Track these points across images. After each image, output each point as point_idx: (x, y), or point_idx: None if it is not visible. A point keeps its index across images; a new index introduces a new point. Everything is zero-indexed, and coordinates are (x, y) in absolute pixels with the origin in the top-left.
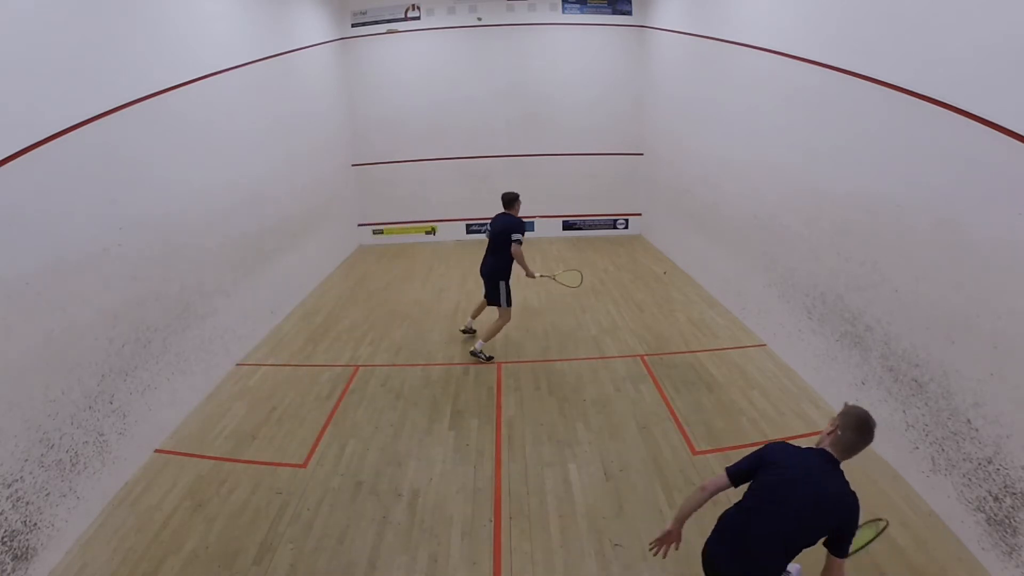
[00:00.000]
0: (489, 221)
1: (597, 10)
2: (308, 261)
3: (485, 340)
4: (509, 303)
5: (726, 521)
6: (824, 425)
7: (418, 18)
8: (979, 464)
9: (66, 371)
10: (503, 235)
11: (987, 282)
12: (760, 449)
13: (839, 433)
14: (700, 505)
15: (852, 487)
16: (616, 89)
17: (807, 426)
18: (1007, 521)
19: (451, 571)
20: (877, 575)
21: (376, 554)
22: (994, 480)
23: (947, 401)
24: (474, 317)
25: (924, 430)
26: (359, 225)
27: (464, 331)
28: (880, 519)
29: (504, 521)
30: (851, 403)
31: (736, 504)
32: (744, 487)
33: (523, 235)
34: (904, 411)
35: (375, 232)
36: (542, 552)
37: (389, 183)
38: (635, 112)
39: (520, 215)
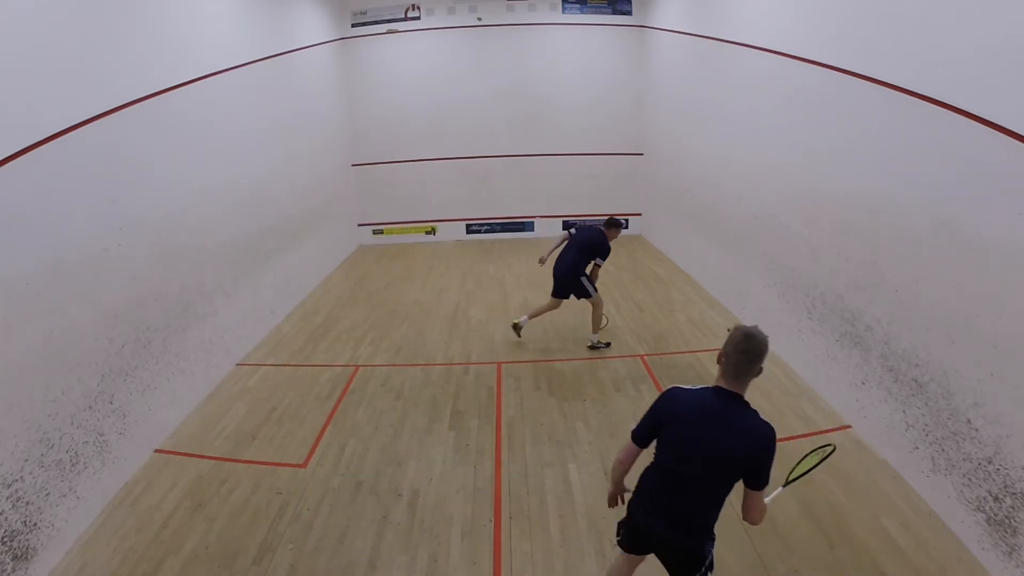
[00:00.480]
0: (575, 226)
1: (597, 10)
2: (308, 261)
3: (595, 331)
4: (596, 290)
5: (646, 486)
6: (824, 425)
7: (418, 18)
8: (979, 464)
9: (66, 371)
10: (590, 249)
11: (987, 282)
12: (656, 401)
13: (724, 359)
14: (625, 474)
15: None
16: (616, 89)
17: (807, 426)
18: (1007, 521)
19: (451, 571)
20: (877, 575)
21: (376, 554)
22: (994, 480)
23: (947, 401)
24: (531, 317)
25: (924, 430)
26: (359, 225)
27: (515, 326)
28: (828, 445)
29: (504, 521)
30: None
31: (652, 463)
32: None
33: (604, 261)
34: (904, 411)
35: (375, 232)
36: (542, 552)
37: (389, 183)
38: (635, 112)
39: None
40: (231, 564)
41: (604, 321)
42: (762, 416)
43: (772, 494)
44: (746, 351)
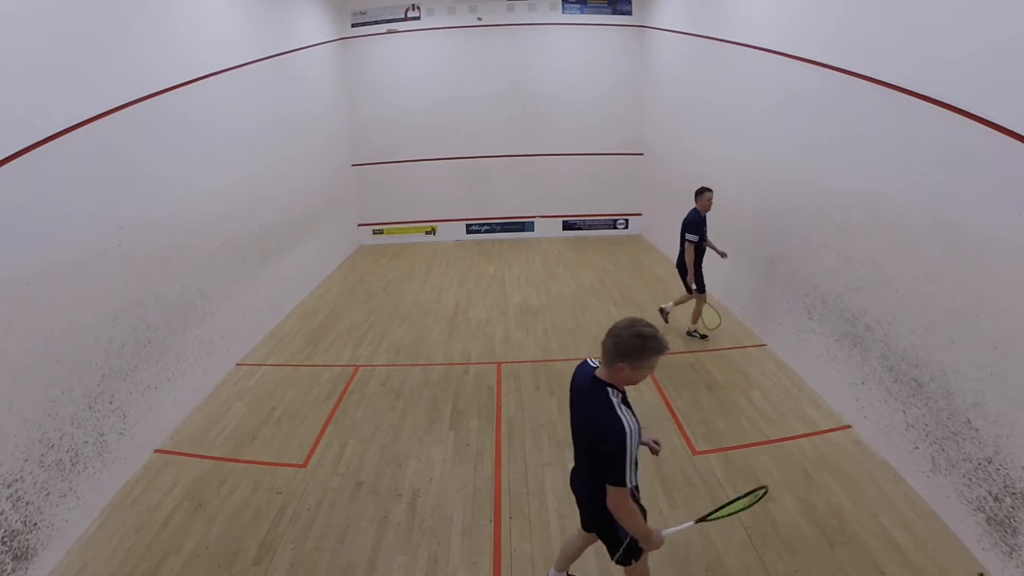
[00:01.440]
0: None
1: (597, 10)
2: (308, 261)
3: (693, 321)
4: (698, 290)
5: None
6: (824, 425)
7: (418, 18)
8: (979, 464)
9: (66, 371)
10: (682, 229)
11: (987, 282)
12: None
13: (602, 344)
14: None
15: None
16: (616, 89)
17: (807, 426)
18: (1007, 521)
19: (451, 571)
20: (877, 575)
21: (376, 554)
22: (994, 480)
23: (947, 401)
24: (676, 304)
25: (924, 430)
26: (359, 225)
27: (661, 311)
28: (760, 488)
29: (504, 521)
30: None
31: None
32: None
33: (696, 236)
34: (904, 411)
35: (375, 232)
36: (542, 552)
37: (389, 183)
38: (635, 112)
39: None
40: (231, 564)
41: (704, 320)
42: (620, 411)
43: (681, 526)
44: (611, 336)
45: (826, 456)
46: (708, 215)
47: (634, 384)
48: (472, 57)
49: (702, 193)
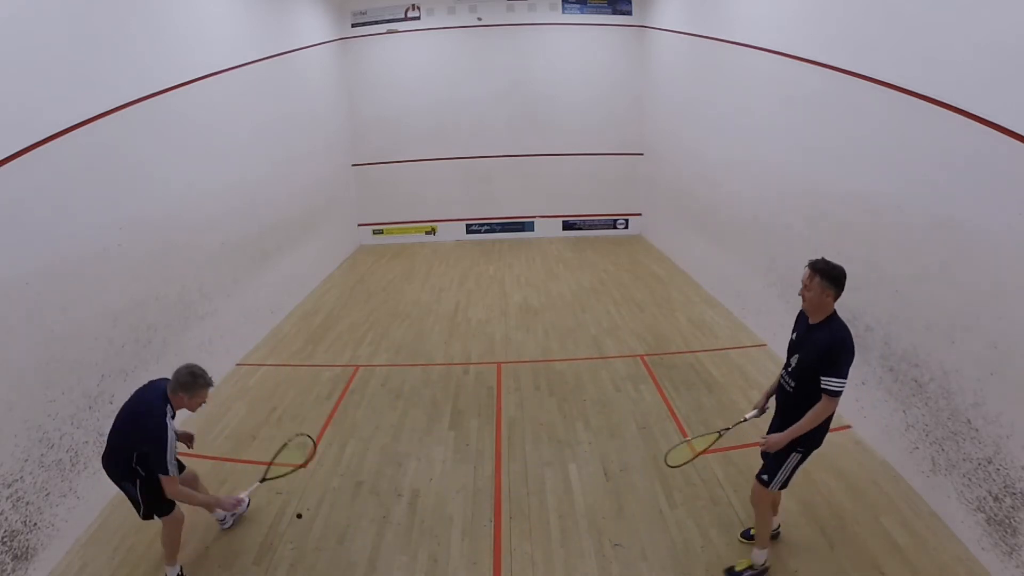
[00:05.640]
0: None
1: (597, 10)
2: (308, 261)
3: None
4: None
5: None
6: None
7: (418, 18)
8: (979, 464)
9: (66, 371)
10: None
11: (987, 282)
12: None
13: None
14: None
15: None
16: (616, 89)
17: None
18: (1007, 521)
19: (451, 571)
20: (877, 575)
21: (376, 554)
22: (994, 480)
23: (947, 401)
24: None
25: (924, 430)
26: (359, 225)
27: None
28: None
29: (504, 521)
30: None
31: None
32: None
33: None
34: (904, 411)
35: (375, 232)
36: (542, 552)
37: (389, 183)
38: (635, 112)
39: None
40: (231, 564)
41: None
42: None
43: (249, 488)
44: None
45: (826, 456)
46: (708, 215)
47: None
48: (472, 57)
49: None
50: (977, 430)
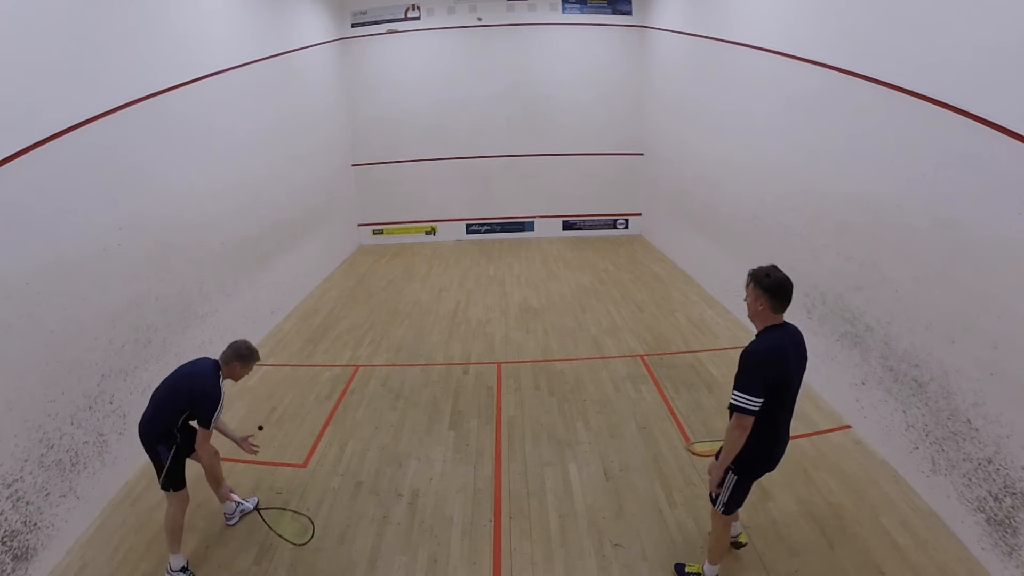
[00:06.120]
0: None
1: (597, 10)
2: (308, 261)
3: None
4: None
5: None
6: (824, 425)
7: (418, 18)
8: (979, 464)
9: (66, 371)
10: None
11: (987, 282)
12: None
13: None
14: None
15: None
16: (616, 89)
17: (807, 426)
18: (1007, 521)
19: (451, 571)
20: (877, 575)
21: (376, 554)
22: (994, 480)
23: (947, 401)
24: None
25: (924, 430)
26: (359, 225)
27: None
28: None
29: (504, 521)
30: None
31: None
32: None
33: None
34: (904, 411)
35: (375, 232)
36: (542, 552)
37: (389, 183)
38: (635, 112)
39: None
40: (231, 564)
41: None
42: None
43: (245, 502)
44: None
45: (826, 456)
46: (708, 215)
47: None
48: (472, 57)
49: None
50: (977, 430)
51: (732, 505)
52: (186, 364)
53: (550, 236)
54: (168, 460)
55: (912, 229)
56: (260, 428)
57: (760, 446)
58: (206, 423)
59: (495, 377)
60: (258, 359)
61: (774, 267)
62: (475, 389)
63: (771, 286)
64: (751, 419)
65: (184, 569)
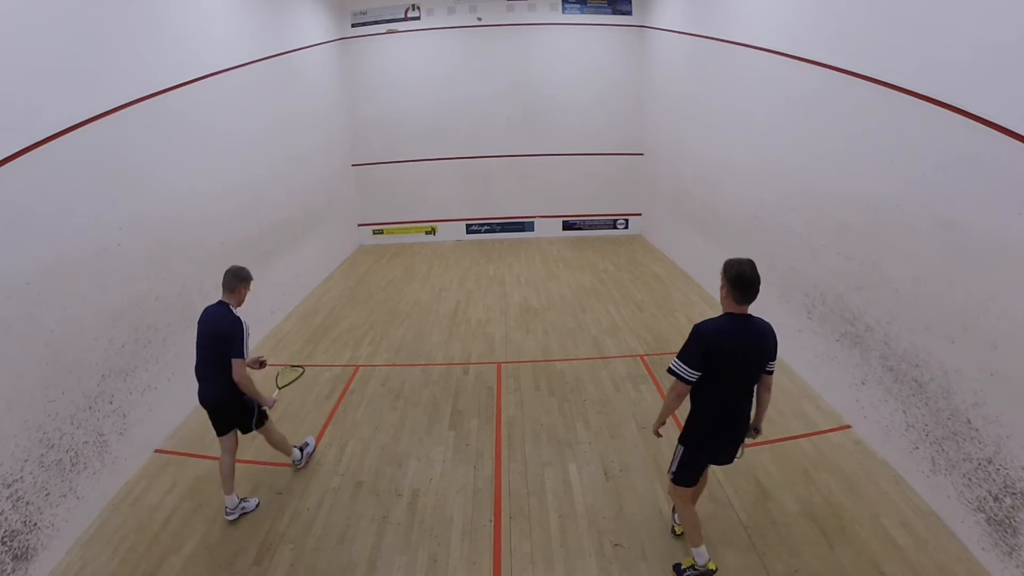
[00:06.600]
0: None
1: (597, 10)
2: (308, 261)
3: None
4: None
5: None
6: (824, 425)
7: (418, 18)
8: (979, 464)
9: (66, 371)
10: None
11: (987, 282)
12: None
13: None
14: None
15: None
16: (616, 89)
17: (807, 426)
18: (1007, 521)
19: (451, 571)
20: (877, 575)
21: (376, 554)
22: (994, 480)
23: (947, 401)
24: None
25: (924, 430)
26: (359, 225)
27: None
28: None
29: (504, 521)
30: None
31: None
32: None
33: None
34: (904, 411)
35: (375, 232)
36: (542, 552)
37: (389, 183)
38: (635, 112)
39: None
40: (231, 564)
41: None
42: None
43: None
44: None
45: (826, 456)
46: (708, 215)
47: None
48: (472, 57)
49: None
50: (977, 430)
51: (680, 477)
52: (200, 317)
53: (550, 236)
54: (243, 404)
55: (912, 229)
56: (262, 363)
57: (703, 422)
58: (240, 352)
59: (495, 377)
60: (250, 274)
61: (745, 261)
62: (475, 389)
63: (732, 277)
64: (686, 387)
65: (240, 503)
